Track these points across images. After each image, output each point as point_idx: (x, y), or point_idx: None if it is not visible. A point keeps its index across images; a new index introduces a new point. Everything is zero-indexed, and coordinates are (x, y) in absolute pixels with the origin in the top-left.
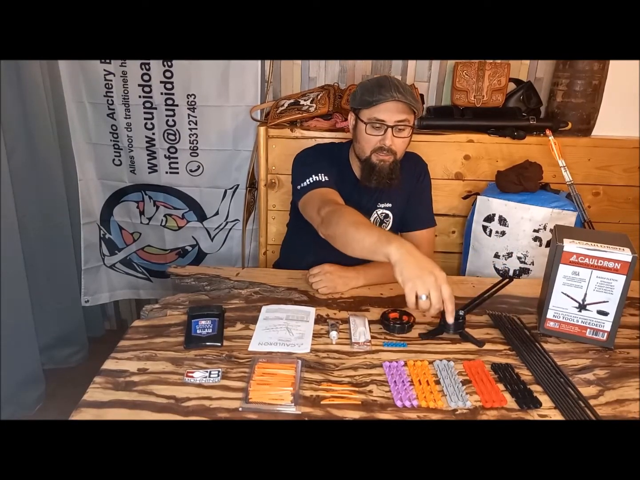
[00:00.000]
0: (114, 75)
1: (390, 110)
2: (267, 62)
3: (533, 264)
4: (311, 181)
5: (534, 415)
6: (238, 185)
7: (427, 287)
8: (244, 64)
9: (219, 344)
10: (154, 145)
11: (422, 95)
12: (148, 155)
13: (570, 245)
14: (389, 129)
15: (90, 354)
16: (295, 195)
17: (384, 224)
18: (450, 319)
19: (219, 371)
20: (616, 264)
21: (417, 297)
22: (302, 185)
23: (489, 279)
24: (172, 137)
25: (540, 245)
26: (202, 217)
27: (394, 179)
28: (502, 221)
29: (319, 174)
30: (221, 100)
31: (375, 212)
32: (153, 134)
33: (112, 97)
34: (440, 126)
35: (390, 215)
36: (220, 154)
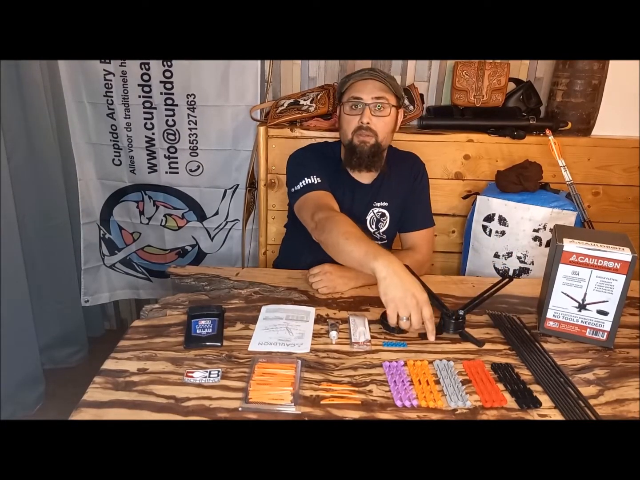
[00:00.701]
0: (114, 75)
1: (366, 89)
2: (267, 62)
3: (533, 264)
4: (304, 184)
5: (534, 415)
6: (238, 185)
7: (408, 310)
8: (244, 63)
9: (219, 344)
10: (153, 145)
11: (422, 95)
12: (148, 155)
13: (570, 245)
14: (367, 107)
15: (90, 354)
16: (290, 198)
17: (380, 223)
18: (431, 337)
19: (218, 371)
20: (616, 264)
21: (398, 317)
22: (295, 188)
23: (489, 278)
24: (171, 137)
25: (540, 245)
26: (202, 217)
27: (377, 162)
28: (502, 221)
29: (312, 176)
30: (221, 100)
31: (371, 210)
32: (153, 133)
33: (111, 97)
34: (440, 126)
35: (387, 214)
36: (220, 153)
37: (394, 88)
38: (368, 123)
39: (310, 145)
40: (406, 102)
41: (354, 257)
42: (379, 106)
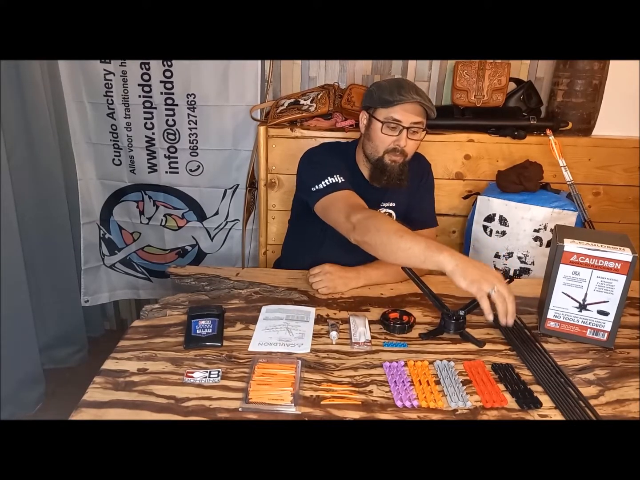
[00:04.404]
0: (114, 75)
1: (407, 112)
2: (267, 62)
3: (533, 264)
4: (328, 183)
5: (534, 415)
6: (238, 185)
7: (492, 283)
8: (244, 63)
9: (219, 344)
10: (153, 145)
11: None
12: (148, 155)
13: (570, 245)
14: (404, 130)
15: (90, 354)
16: (310, 197)
17: None
18: (510, 321)
19: (218, 371)
20: (616, 264)
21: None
22: (317, 187)
23: None
24: (171, 136)
25: (541, 245)
26: (202, 217)
27: (403, 180)
28: (503, 221)
29: (335, 176)
30: (221, 100)
31: (378, 211)
32: (153, 133)
33: (112, 96)
34: (441, 126)
35: (394, 214)
36: (220, 153)
37: (431, 111)
38: (404, 146)
39: (324, 144)
40: None
41: (412, 253)
42: (414, 130)
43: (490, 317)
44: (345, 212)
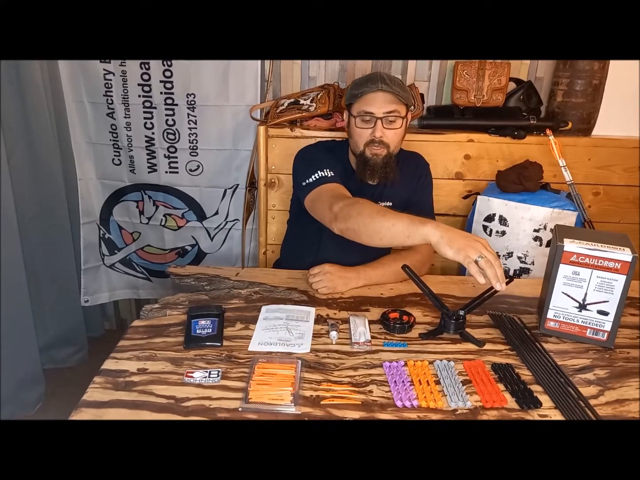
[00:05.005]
0: (114, 75)
1: (378, 102)
2: (267, 62)
3: (533, 264)
4: (317, 177)
5: (534, 415)
6: (238, 184)
7: (478, 250)
8: (244, 63)
9: (219, 344)
10: (153, 144)
11: (422, 95)
12: (147, 154)
13: (570, 245)
14: (378, 121)
15: (90, 354)
16: (300, 191)
17: None
18: (503, 286)
19: (218, 371)
20: (616, 264)
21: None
22: (307, 181)
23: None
24: (171, 136)
25: (541, 245)
26: (201, 216)
27: (389, 173)
28: (503, 221)
29: (325, 170)
30: (221, 100)
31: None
32: (153, 133)
33: (111, 96)
34: (441, 126)
35: None
36: (220, 153)
37: (405, 99)
38: (381, 137)
39: (319, 142)
40: None
41: (396, 230)
42: (390, 119)
43: (481, 279)
44: (328, 203)
